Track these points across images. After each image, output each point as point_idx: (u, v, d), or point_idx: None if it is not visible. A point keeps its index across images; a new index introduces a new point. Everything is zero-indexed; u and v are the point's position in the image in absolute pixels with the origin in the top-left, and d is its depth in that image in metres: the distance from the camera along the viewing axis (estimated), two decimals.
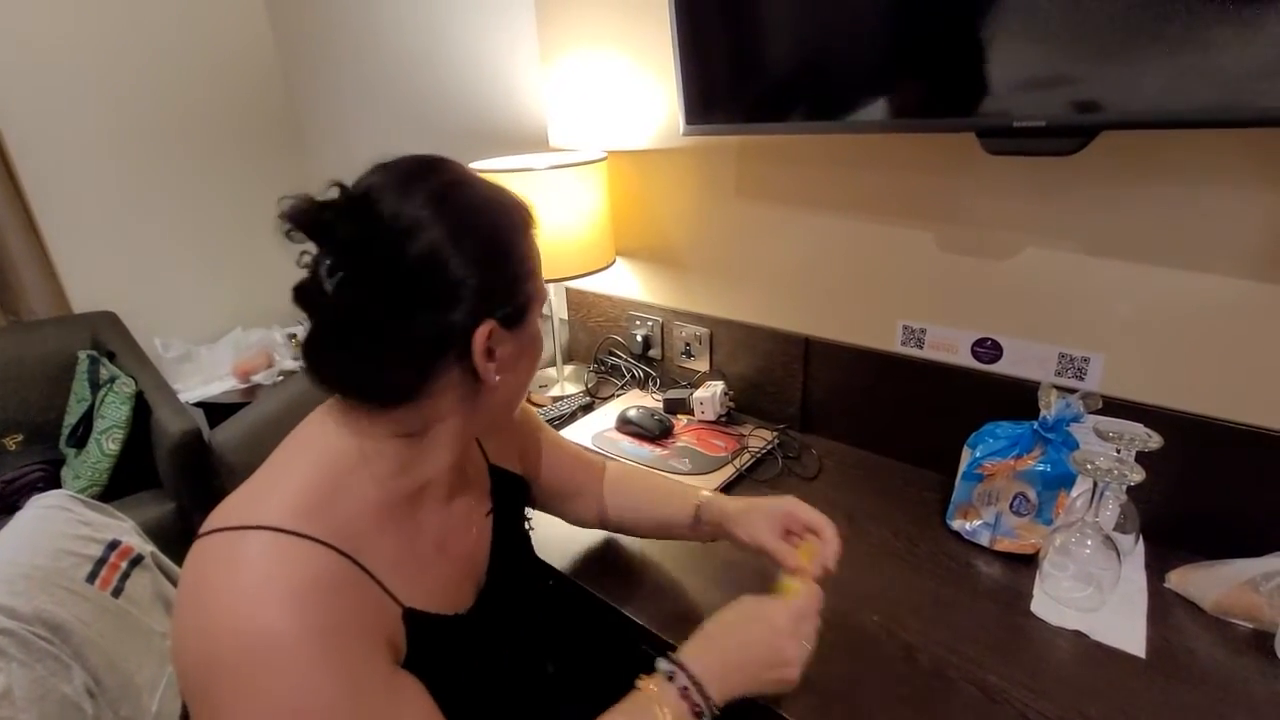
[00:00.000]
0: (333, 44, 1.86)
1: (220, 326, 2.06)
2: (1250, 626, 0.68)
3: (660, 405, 1.17)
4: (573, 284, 1.43)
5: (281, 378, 1.81)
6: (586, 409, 1.21)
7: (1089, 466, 0.67)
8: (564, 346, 1.47)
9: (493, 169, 1.08)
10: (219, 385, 1.85)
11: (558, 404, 1.21)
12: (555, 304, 1.28)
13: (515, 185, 1.15)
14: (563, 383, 1.31)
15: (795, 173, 1.01)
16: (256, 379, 1.86)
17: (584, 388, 1.27)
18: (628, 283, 1.33)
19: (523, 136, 1.43)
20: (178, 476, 1.55)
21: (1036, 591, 0.74)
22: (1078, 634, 0.68)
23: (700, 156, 1.11)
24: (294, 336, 2.03)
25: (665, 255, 1.24)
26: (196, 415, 1.72)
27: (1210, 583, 0.70)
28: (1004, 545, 0.80)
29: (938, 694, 0.61)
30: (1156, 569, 0.75)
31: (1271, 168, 0.66)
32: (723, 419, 1.13)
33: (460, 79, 1.52)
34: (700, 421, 1.13)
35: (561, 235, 1.12)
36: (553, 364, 1.35)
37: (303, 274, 0.48)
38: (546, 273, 1.20)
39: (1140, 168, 0.73)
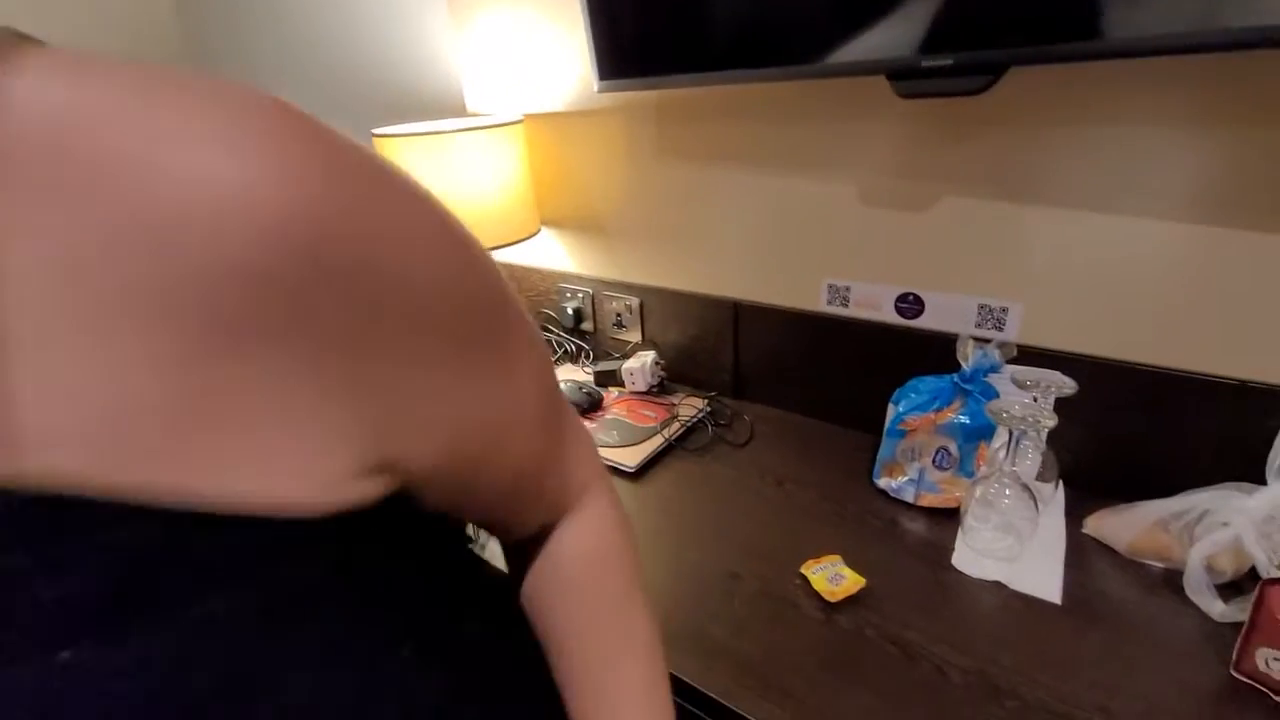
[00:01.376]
0: (234, 10, 1.73)
1: None
2: (1161, 566, 0.68)
3: (591, 379, 1.13)
4: (500, 257, 1.37)
5: None
6: None
7: (1004, 415, 0.66)
8: None
9: (400, 133, 1.01)
10: None
11: None
12: None
13: (426, 150, 1.10)
14: None
15: (714, 130, 0.97)
16: None
17: None
18: (555, 254, 1.27)
19: (439, 103, 1.35)
20: None
21: (958, 545, 0.73)
22: (997, 584, 0.67)
23: (619, 118, 1.06)
24: None
25: (591, 224, 1.19)
26: None
27: (1124, 526, 0.70)
28: (928, 500, 0.79)
29: (856, 655, 0.60)
30: (1076, 515, 0.75)
31: (1183, 104, 0.65)
32: (655, 389, 1.10)
33: (369, 44, 1.43)
34: (631, 393, 1.10)
35: (481, 203, 1.06)
36: None
37: None
38: None
39: (1051, 108, 0.71)
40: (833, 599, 0.65)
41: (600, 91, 0.95)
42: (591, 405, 1.04)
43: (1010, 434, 0.68)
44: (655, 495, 0.85)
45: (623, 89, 0.94)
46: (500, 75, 1.19)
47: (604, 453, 0.92)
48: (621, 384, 1.11)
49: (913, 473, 0.79)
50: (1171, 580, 0.66)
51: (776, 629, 0.63)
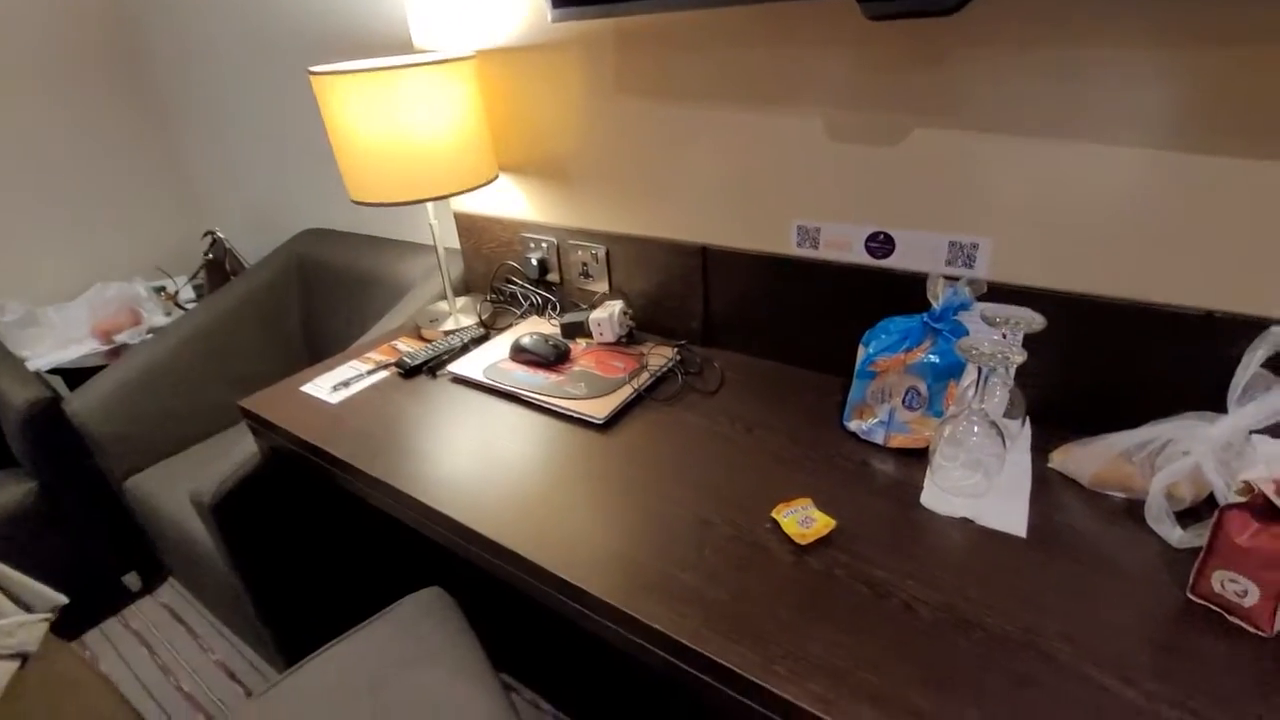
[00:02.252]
0: None
1: (74, 284, 1.82)
2: (1123, 497, 0.69)
3: (558, 331, 1.10)
4: (460, 207, 1.31)
5: (151, 335, 1.62)
6: (480, 341, 1.12)
7: (973, 352, 0.65)
8: (457, 278, 1.36)
9: (339, 70, 0.94)
10: (77, 349, 1.65)
11: (448, 338, 1.12)
12: (439, 230, 1.17)
13: (368, 89, 1.02)
14: (455, 315, 1.21)
15: (675, 62, 0.92)
16: (121, 338, 1.67)
17: (477, 319, 1.18)
18: (517, 202, 1.22)
19: (382, 39, 1.26)
20: (35, 452, 1.38)
21: (926, 484, 0.73)
22: (965, 521, 0.68)
23: (576, 51, 1.00)
24: (163, 290, 1.82)
25: (552, 168, 1.14)
26: (54, 384, 1.53)
27: (1088, 458, 0.71)
28: (898, 441, 0.78)
29: (826, 596, 0.60)
30: (1042, 450, 0.76)
31: (1158, 27, 0.62)
32: (623, 340, 1.08)
33: None
34: (600, 344, 1.07)
35: (434, 145, 1.00)
36: (443, 297, 1.25)
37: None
38: (421, 188, 1.10)
39: (1025, 27, 0.68)
40: (803, 541, 0.65)
41: (554, 22, 0.89)
42: (558, 358, 1.01)
43: (980, 371, 0.67)
44: (625, 446, 0.84)
45: (578, 18, 0.88)
46: (448, 8, 1.11)
47: (572, 405, 0.90)
48: (589, 335, 1.08)
49: (882, 414, 0.79)
50: (1133, 510, 0.67)
51: (748, 574, 0.63)
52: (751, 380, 0.98)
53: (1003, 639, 0.55)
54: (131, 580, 1.67)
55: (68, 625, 1.57)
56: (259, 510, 1.09)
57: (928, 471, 0.74)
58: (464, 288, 1.37)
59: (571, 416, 0.90)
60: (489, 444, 0.86)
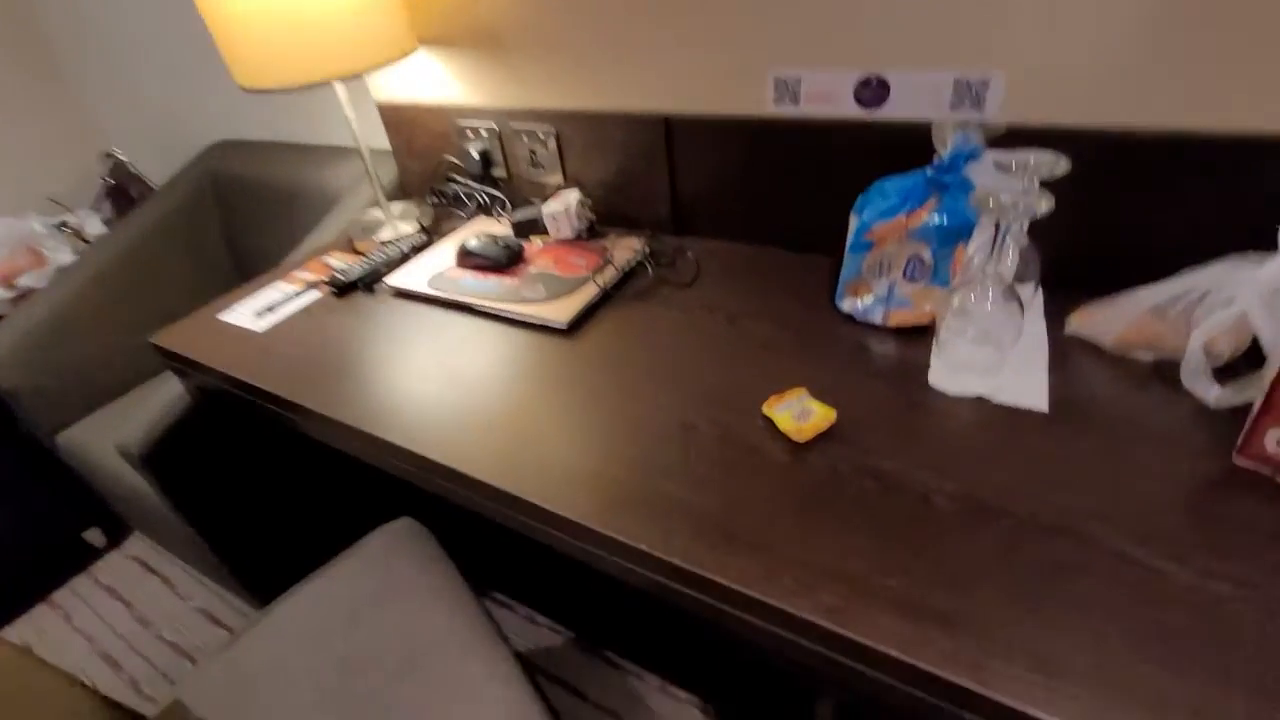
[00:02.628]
0: None
1: None
2: (1151, 358, 0.62)
3: (510, 231, 0.98)
4: (383, 97, 1.13)
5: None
6: (422, 249, 0.99)
7: (991, 204, 0.55)
8: (391, 182, 1.20)
9: None
10: None
11: (385, 249, 0.99)
12: (359, 126, 1.00)
13: None
14: (393, 223, 1.07)
15: None
16: (25, 282, 1.49)
17: (417, 225, 1.05)
18: (447, 84, 1.05)
19: None
20: None
21: (933, 362, 0.65)
22: (979, 400, 0.60)
23: None
24: (65, 226, 1.62)
25: (484, 36, 0.96)
26: None
27: (1113, 319, 0.63)
28: (899, 319, 0.70)
29: (831, 495, 0.53)
30: (1057, 316, 0.68)
31: None
32: (584, 234, 0.95)
33: None
34: (558, 241, 0.95)
35: (329, 10, 0.83)
36: (376, 204, 1.10)
37: None
38: (319, 65, 0.90)
39: None
40: (801, 438, 0.58)
41: None
42: (511, 260, 0.89)
43: (998, 229, 0.57)
44: (594, 350, 0.74)
45: None
46: None
47: (531, 310, 0.80)
48: (545, 232, 0.96)
49: (880, 290, 0.70)
50: (1162, 371, 0.60)
51: (741, 478, 0.55)
52: (731, 267, 0.87)
53: (1033, 525, 0.48)
54: (94, 536, 1.59)
55: (34, 587, 1.51)
56: (201, 455, 0.99)
57: (933, 349, 0.66)
58: (400, 192, 1.21)
59: (531, 323, 0.80)
60: (440, 362, 0.75)
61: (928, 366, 0.65)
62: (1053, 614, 0.42)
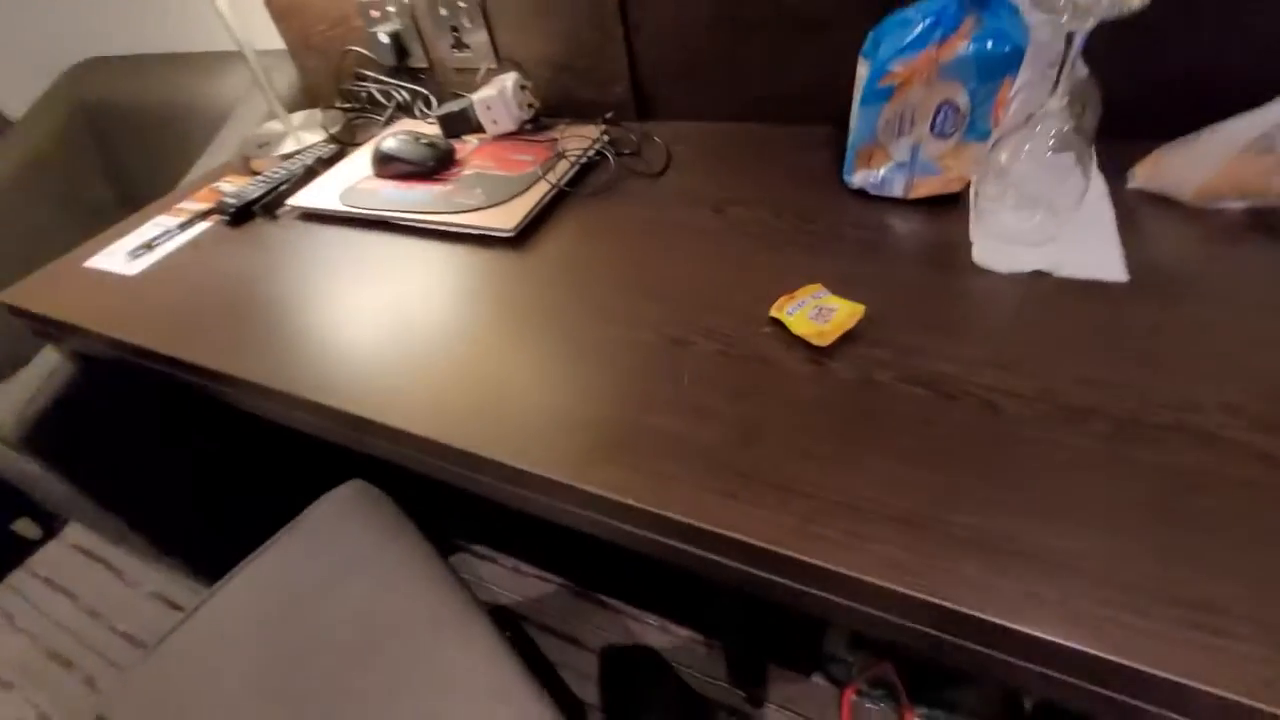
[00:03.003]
0: None
1: None
2: (1242, 206, 0.50)
3: (437, 130, 0.80)
4: None
5: None
6: (333, 160, 0.82)
7: (1061, 1, 0.41)
8: (290, 87, 1.00)
9: None
10: None
11: (287, 164, 0.81)
12: (240, 22, 0.79)
13: None
14: (295, 135, 0.88)
15: None
16: None
17: (325, 134, 0.86)
18: None
19: None
20: None
21: (975, 237, 0.52)
22: (1038, 275, 0.48)
23: None
24: None
25: None
26: None
27: (1192, 164, 0.51)
28: (925, 188, 0.56)
29: (870, 412, 0.41)
30: (1114, 170, 0.55)
31: None
32: (527, 126, 0.79)
33: None
34: (497, 136, 0.78)
35: None
36: (273, 116, 0.90)
37: None
38: None
39: None
40: (823, 341, 0.45)
41: None
42: (440, 162, 0.73)
43: (1069, 43, 0.43)
44: (550, 260, 0.60)
45: None
46: None
47: (469, 218, 0.64)
48: (479, 129, 0.78)
49: (901, 153, 0.56)
50: (1260, 221, 0.48)
51: (753, 402, 0.43)
52: (709, 150, 0.72)
53: (1137, 425, 0.37)
54: (26, 527, 1.44)
55: None
56: (98, 429, 0.84)
57: (971, 221, 0.54)
58: (305, 99, 1.01)
59: (471, 234, 0.64)
60: (362, 293, 0.60)
61: (968, 242, 0.52)
62: (1195, 542, 0.32)
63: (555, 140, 0.74)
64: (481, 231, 0.63)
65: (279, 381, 0.52)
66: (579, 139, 0.74)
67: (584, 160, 0.71)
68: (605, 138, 0.74)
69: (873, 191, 0.58)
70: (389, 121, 0.89)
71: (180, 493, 0.97)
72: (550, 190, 0.66)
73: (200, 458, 0.98)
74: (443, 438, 0.45)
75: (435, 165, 0.72)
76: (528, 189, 0.67)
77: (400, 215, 0.67)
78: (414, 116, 0.88)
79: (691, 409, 0.43)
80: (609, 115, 0.78)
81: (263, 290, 0.63)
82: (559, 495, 0.42)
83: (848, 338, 0.45)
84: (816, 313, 0.47)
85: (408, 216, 0.67)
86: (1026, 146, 0.48)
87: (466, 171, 0.72)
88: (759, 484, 0.38)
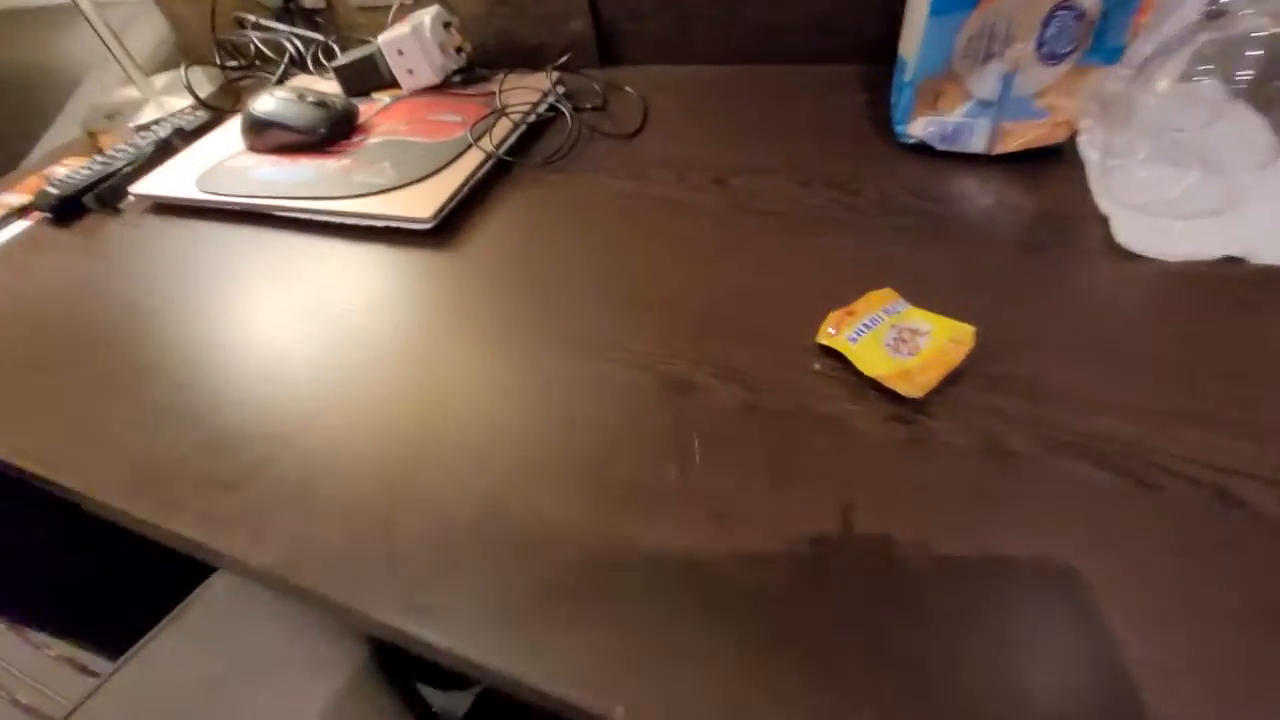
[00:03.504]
0: None
1: None
2: None
3: (338, 87, 0.61)
4: None
5: None
6: (198, 133, 0.62)
7: None
8: (158, 41, 0.78)
9: None
10: None
11: (138, 139, 0.61)
12: None
13: None
14: (158, 101, 0.68)
15: None
16: None
17: (193, 99, 0.66)
18: None
19: None
20: None
21: (1107, 207, 0.36)
22: (1227, 263, 0.32)
23: None
24: None
25: None
26: None
27: None
28: (1018, 138, 0.39)
29: (1017, 508, 0.24)
30: None
31: None
32: (456, 78, 0.60)
33: None
34: (416, 92, 0.59)
35: None
36: (127, 78, 0.69)
37: None
38: None
39: None
40: (916, 388, 0.28)
41: None
42: (335, 127, 0.53)
43: None
44: (488, 261, 0.42)
45: None
46: None
47: (368, 206, 0.46)
48: (391, 81, 0.59)
49: (986, 87, 0.38)
50: None
51: (810, 493, 0.26)
52: (697, 101, 0.54)
53: None
54: None
55: None
56: None
57: (1093, 184, 0.37)
58: (180, 55, 0.80)
59: (371, 227, 0.46)
60: (213, 317, 0.42)
61: (1097, 217, 0.35)
62: None
63: (492, 94, 0.55)
64: (388, 222, 0.45)
65: (52, 471, 0.34)
66: (524, 91, 0.55)
67: (532, 119, 0.53)
68: (560, 89, 0.56)
69: (939, 146, 0.41)
70: (282, 80, 0.69)
71: (61, 579, 0.77)
72: (486, 161, 0.48)
73: (77, 537, 0.78)
74: (303, 583, 0.27)
75: (329, 132, 0.53)
76: (455, 160, 0.48)
77: (275, 204, 0.48)
78: (312, 72, 0.68)
79: (708, 509, 0.26)
80: (563, 60, 0.59)
81: (95, 323, 0.44)
82: (490, 674, 0.24)
83: (951, 380, 0.29)
84: (894, 338, 0.30)
85: (286, 205, 0.48)
86: (1198, 67, 0.31)
87: (372, 139, 0.53)
88: (858, 677, 0.21)
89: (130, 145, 0.60)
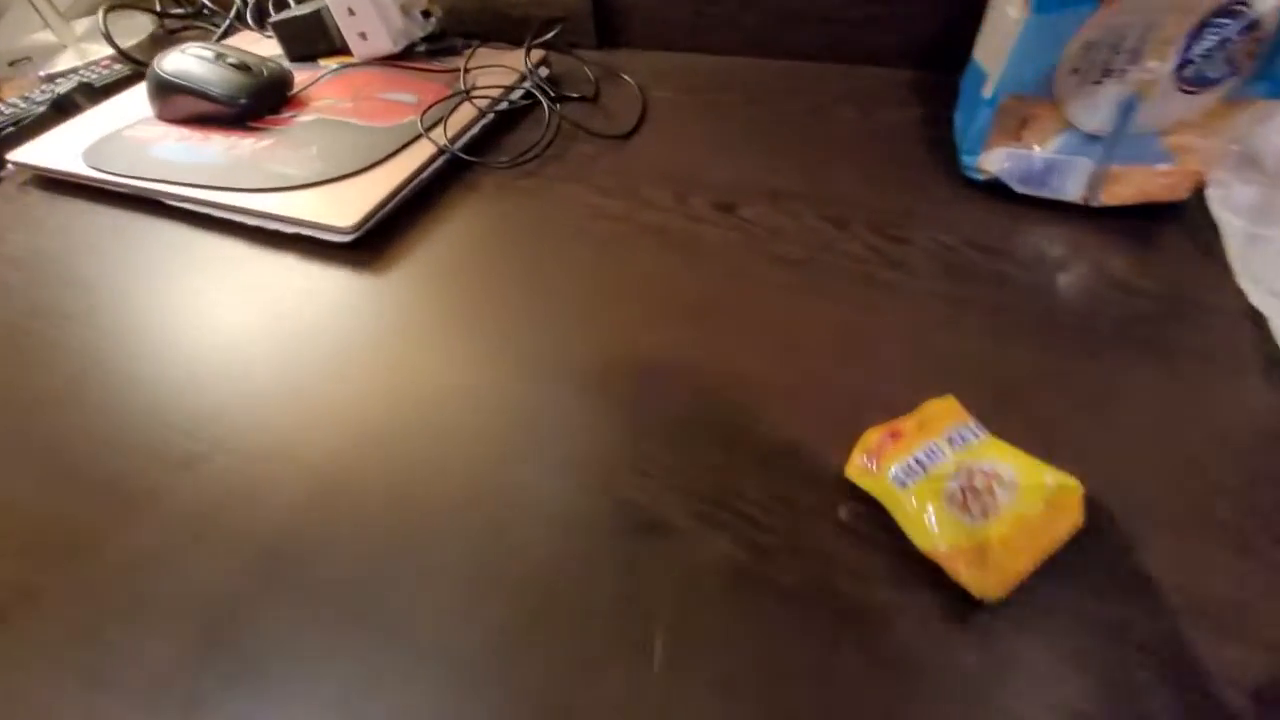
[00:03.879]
0: None
1: None
2: None
3: (279, 50, 0.50)
4: None
5: None
6: (110, 90, 0.51)
7: None
8: None
9: None
10: None
11: (41, 92, 0.50)
12: None
13: None
14: (76, 47, 0.58)
15: None
16: None
17: (114, 50, 0.55)
18: None
19: None
20: None
21: (1261, 299, 0.26)
22: None
23: None
24: None
25: None
26: None
27: None
28: (1132, 189, 0.29)
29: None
30: None
31: None
32: (420, 48, 0.49)
33: None
34: (366, 61, 0.49)
35: None
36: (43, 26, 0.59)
37: None
38: None
39: None
40: (990, 587, 0.18)
41: None
42: (255, 99, 0.43)
43: None
44: (411, 294, 0.32)
45: None
46: None
47: (278, 204, 0.36)
48: (341, 48, 0.49)
49: (1095, 114, 0.28)
50: None
51: None
52: (712, 99, 0.44)
53: None
54: None
55: None
56: None
57: (1233, 260, 0.27)
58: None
59: (279, 232, 0.36)
60: (56, 340, 0.32)
61: (1240, 312, 0.26)
62: None
63: (458, 72, 0.45)
64: (296, 230, 0.35)
65: None
66: (498, 72, 0.45)
67: (503, 106, 0.43)
68: (542, 71, 0.46)
69: (1019, 187, 0.31)
70: (226, 35, 0.59)
71: None
72: (435, 158, 0.38)
73: None
74: None
75: (251, 103, 0.42)
76: (398, 152, 0.38)
77: (165, 190, 0.38)
78: (259, 29, 0.57)
79: None
80: (550, 35, 0.49)
81: None
82: None
83: (1050, 570, 0.19)
84: (959, 487, 0.20)
85: (178, 194, 0.38)
86: None
87: (305, 117, 0.43)
88: None
89: (26, 99, 0.50)
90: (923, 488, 0.20)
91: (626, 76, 0.47)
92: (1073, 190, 0.30)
